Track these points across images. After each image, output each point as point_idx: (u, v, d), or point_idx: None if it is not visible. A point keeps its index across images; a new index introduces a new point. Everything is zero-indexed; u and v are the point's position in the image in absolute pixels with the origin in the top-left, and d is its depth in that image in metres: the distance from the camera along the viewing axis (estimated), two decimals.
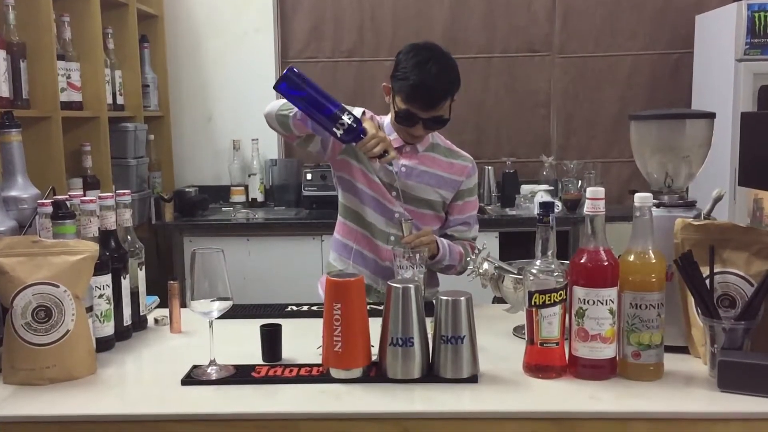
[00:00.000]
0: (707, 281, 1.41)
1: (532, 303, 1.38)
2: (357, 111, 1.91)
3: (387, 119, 2.17)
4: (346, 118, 1.82)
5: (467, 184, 2.20)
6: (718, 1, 3.87)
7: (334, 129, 1.83)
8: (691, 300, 1.45)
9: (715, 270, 1.43)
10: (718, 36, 3.63)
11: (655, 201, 1.51)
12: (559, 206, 3.59)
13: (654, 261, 1.37)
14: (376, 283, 2.11)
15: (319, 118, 1.85)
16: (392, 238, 2.07)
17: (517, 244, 3.35)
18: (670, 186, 1.57)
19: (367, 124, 1.87)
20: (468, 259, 2.05)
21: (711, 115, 1.58)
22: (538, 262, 1.40)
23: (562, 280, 1.38)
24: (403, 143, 2.13)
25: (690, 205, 1.57)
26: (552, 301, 1.37)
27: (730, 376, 1.31)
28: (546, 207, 1.40)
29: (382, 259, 2.11)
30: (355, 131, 1.84)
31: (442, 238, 2.10)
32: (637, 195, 1.38)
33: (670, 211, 1.55)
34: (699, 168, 1.58)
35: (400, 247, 1.75)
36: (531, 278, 1.39)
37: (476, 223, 2.26)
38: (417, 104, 1.98)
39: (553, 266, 1.39)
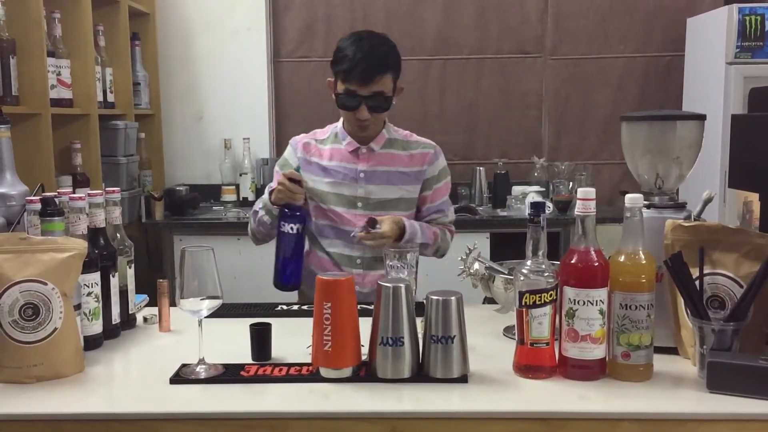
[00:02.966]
0: (697, 282, 1.42)
1: (523, 303, 1.38)
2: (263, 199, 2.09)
3: (339, 124, 2.18)
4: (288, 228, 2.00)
5: (431, 172, 2.17)
6: (709, 4, 3.90)
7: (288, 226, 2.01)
8: (681, 301, 1.46)
9: (705, 271, 1.43)
10: (708, 39, 3.65)
11: (645, 202, 1.52)
12: (550, 207, 3.60)
13: (644, 262, 1.38)
14: None
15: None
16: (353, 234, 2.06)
17: (508, 245, 3.35)
18: (660, 187, 1.58)
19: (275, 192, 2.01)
20: (450, 245, 2.11)
21: (701, 117, 1.59)
22: (528, 263, 1.40)
23: (552, 280, 1.38)
24: (357, 146, 2.13)
25: (680, 206, 1.57)
26: (542, 302, 1.37)
27: (719, 377, 1.32)
28: (537, 207, 1.40)
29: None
30: (298, 218, 2.00)
31: (409, 220, 2.09)
32: (627, 196, 1.39)
33: (661, 212, 1.55)
34: (689, 170, 1.58)
35: (391, 248, 1.75)
36: (521, 278, 1.39)
37: (450, 206, 2.25)
38: (355, 80, 1.99)
39: (543, 266, 1.39)
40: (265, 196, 2.08)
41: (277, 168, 2.21)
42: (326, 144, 2.17)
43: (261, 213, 2.09)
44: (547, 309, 1.38)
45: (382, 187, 2.12)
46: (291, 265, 2.01)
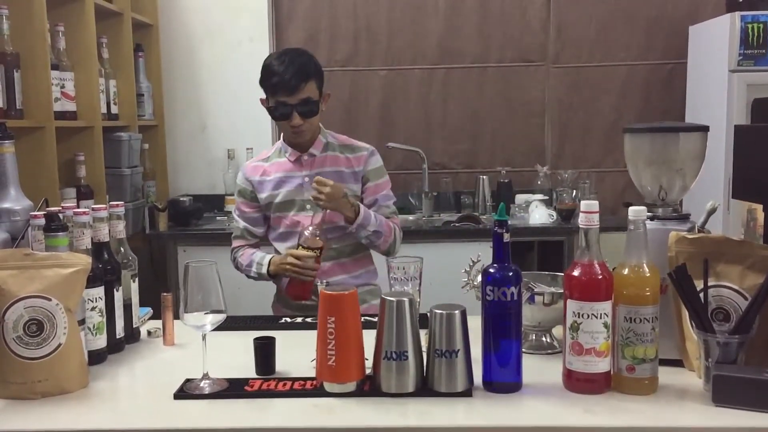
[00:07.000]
0: (701, 294, 1.41)
1: None
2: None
3: (279, 142, 2.32)
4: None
5: (366, 169, 2.28)
6: (711, 12, 3.90)
7: None
8: (686, 313, 1.45)
9: (709, 283, 1.43)
10: (711, 47, 3.65)
11: (649, 214, 1.51)
12: (553, 216, 3.60)
13: (648, 274, 1.37)
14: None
15: None
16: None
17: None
18: (664, 199, 1.57)
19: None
20: (466, 271, 2.05)
21: (704, 128, 1.58)
22: None
23: None
24: (299, 154, 2.25)
25: (684, 217, 1.57)
26: None
27: (725, 390, 1.31)
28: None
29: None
30: None
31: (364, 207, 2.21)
32: (631, 208, 1.38)
33: (664, 224, 1.54)
34: (693, 180, 1.58)
35: (394, 260, 1.74)
36: None
37: (392, 199, 2.34)
38: (281, 92, 2.13)
39: None
40: (259, 257, 2.26)
41: (237, 198, 2.33)
42: (271, 160, 2.31)
43: (254, 275, 2.30)
44: None
45: None
46: None
